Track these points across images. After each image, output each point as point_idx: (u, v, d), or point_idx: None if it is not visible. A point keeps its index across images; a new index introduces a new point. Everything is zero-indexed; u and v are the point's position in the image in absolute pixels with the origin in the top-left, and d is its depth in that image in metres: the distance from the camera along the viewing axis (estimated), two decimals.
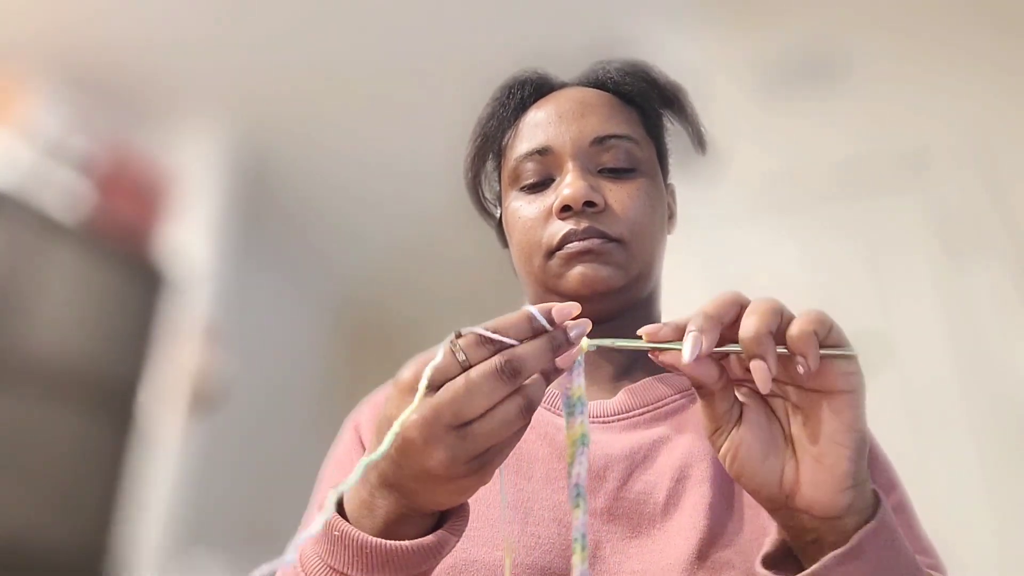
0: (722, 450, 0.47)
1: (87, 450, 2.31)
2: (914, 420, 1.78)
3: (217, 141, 3.00)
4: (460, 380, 0.42)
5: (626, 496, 0.58)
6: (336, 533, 0.46)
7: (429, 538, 0.46)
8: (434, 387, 0.42)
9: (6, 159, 2.32)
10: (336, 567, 0.46)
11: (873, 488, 0.47)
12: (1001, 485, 1.70)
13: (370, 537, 0.45)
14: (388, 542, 0.45)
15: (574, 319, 0.46)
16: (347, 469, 0.65)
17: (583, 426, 0.45)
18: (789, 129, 2.19)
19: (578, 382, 0.46)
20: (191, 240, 2.83)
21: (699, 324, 0.44)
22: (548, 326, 0.45)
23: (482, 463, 0.43)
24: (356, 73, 2.72)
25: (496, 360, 0.42)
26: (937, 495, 1.59)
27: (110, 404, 2.42)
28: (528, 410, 0.43)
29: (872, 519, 0.45)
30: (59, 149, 2.46)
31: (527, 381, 0.43)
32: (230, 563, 2.90)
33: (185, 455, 2.62)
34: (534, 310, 0.45)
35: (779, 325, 0.44)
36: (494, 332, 0.43)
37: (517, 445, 0.60)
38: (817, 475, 0.45)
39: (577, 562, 0.42)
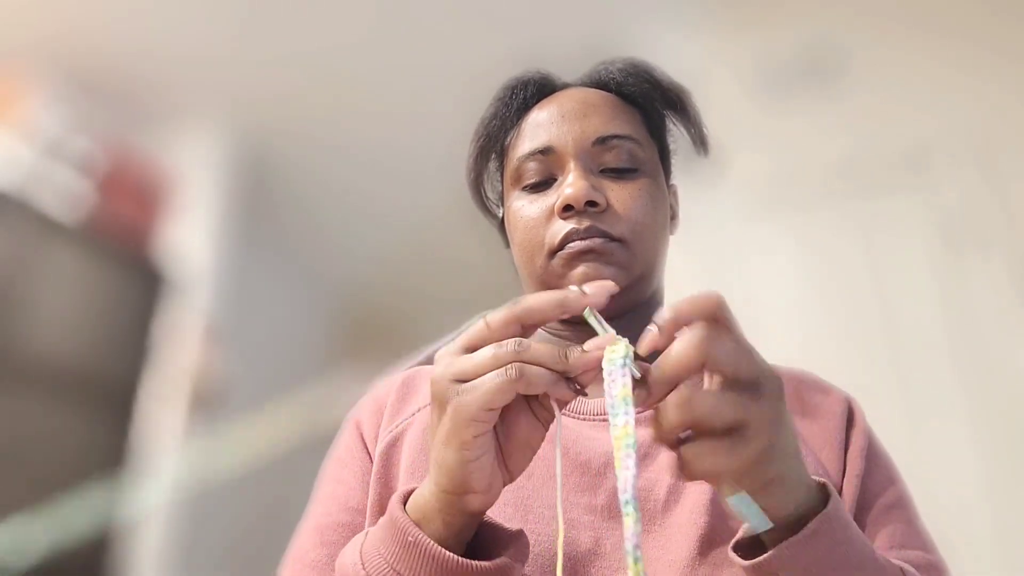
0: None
1: (87, 450, 2.32)
2: (914, 418, 1.78)
3: (217, 141, 3.00)
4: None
5: None
6: (410, 539, 0.47)
7: (498, 560, 0.48)
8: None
9: (6, 159, 2.32)
10: (402, 572, 0.47)
11: (821, 481, 0.48)
12: (1001, 484, 1.71)
13: (444, 550, 0.47)
14: (460, 558, 0.47)
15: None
16: (348, 467, 0.66)
17: (627, 428, 0.43)
18: (789, 129, 2.19)
19: (622, 381, 0.44)
20: (191, 240, 2.83)
21: (656, 376, 0.44)
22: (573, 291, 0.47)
23: (457, 389, 0.45)
24: (356, 73, 2.73)
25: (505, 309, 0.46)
26: (936, 493, 1.59)
27: (110, 404, 2.42)
28: (515, 345, 0.44)
29: (825, 506, 0.47)
30: (59, 149, 2.46)
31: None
32: (229, 564, 2.90)
33: (185, 455, 2.62)
34: (573, 287, 0.48)
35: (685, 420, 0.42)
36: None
37: None
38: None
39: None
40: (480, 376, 0.44)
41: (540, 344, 0.45)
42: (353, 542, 0.52)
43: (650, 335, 0.44)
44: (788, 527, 0.46)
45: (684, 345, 0.42)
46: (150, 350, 2.56)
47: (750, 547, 0.50)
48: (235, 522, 3.02)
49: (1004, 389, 1.77)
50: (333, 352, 4.25)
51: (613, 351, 0.45)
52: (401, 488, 0.52)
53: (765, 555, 0.46)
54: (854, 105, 2.14)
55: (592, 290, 0.46)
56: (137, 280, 2.59)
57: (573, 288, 0.47)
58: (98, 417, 2.36)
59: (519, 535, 0.51)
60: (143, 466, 2.46)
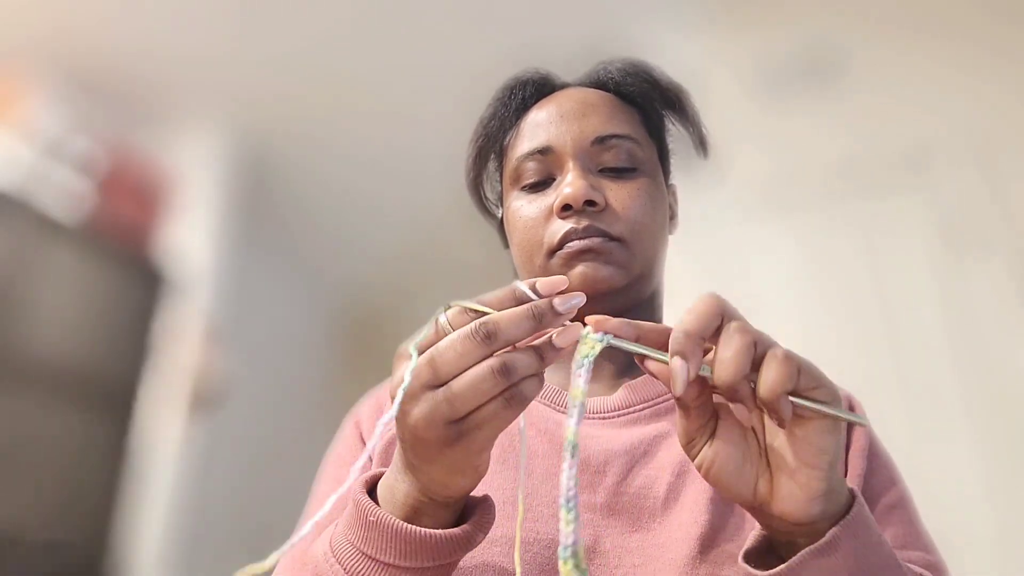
0: (696, 461, 0.47)
1: (87, 450, 2.31)
2: (914, 418, 1.78)
3: (217, 141, 3.00)
4: (439, 343, 0.43)
5: (626, 491, 0.58)
6: (372, 519, 0.47)
7: (459, 529, 0.47)
8: (422, 353, 0.44)
9: (6, 159, 2.32)
10: (369, 553, 0.47)
11: (850, 488, 0.47)
12: (1001, 484, 1.71)
13: (405, 523, 0.46)
14: (422, 529, 0.46)
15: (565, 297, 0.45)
16: (348, 464, 0.65)
17: (569, 431, 0.42)
18: (789, 129, 2.19)
19: (576, 383, 0.43)
20: (191, 240, 2.83)
21: (681, 347, 0.42)
22: (533, 296, 0.45)
23: (460, 431, 0.43)
24: (356, 73, 2.73)
25: (471, 324, 0.43)
26: (937, 494, 1.59)
27: (110, 404, 2.42)
28: (503, 373, 0.42)
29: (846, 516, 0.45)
30: (59, 149, 2.46)
31: (507, 349, 0.43)
32: (229, 563, 2.90)
33: (185, 455, 2.62)
34: (521, 284, 0.45)
35: (754, 357, 0.43)
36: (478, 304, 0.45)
37: (517, 442, 0.61)
38: (789, 489, 0.44)
39: None
40: (477, 412, 0.42)
41: (520, 357, 0.43)
42: (325, 533, 0.52)
43: (683, 372, 0.42)
44: (811, 533, 0.45)
45: (736, 332, 0.43)
46: (150, 350, 2.56)
47: (761, 556, 0.49)
48: (234, 522, 3.02)
49: (1004, 389, 1.77)
50: (333, 352, 4.25)
51: (584, 355, 0.44)
52: (364, 475, 0.52)
53: (785, 564, 0.45)
54: (854, 105, 2.14)
55: (563, 306, 0.44)
56: (137, 280, 2.59)
57: (521, 285, 0.45)
58: (98, 417, 2.36)
59: (484, 501, 0.50)
60: (142, 466, 2.46)
